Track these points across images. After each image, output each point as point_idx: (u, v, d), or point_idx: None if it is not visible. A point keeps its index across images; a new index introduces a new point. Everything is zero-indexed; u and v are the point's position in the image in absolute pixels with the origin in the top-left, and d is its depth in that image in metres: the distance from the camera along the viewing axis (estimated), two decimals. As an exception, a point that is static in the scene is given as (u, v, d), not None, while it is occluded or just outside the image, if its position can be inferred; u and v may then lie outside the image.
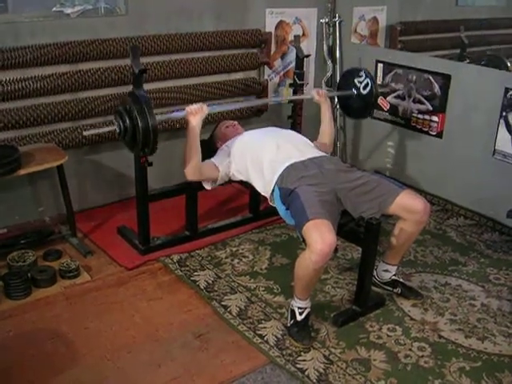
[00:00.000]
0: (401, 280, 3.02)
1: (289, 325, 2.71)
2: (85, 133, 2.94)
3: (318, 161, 2.86)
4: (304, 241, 2.52)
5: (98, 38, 3.47)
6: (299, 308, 2.66)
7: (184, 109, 2.96)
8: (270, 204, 2.96)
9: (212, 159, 3.12)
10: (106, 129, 2.91)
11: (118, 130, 2.84)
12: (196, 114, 2.92)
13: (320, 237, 2.40)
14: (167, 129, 3.91)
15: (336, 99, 4.06)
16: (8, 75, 3.20)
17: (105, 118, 3.65)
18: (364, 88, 3.49)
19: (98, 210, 3.82)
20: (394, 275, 3.00)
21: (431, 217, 3.78)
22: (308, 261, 2.45)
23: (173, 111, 3.17)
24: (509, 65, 4.77)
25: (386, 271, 2.99)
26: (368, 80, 3.47)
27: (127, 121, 2.78)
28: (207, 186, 3.16)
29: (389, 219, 2.98)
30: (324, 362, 2.52)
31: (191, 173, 2.99)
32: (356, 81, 3.53)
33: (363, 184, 2.75)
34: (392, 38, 5.06)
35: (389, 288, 3.02)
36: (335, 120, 4.31)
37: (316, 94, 3.38)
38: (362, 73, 3.49)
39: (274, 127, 3.31)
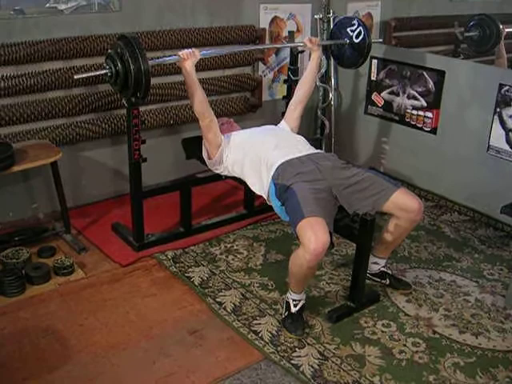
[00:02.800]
0: (389, 271, 3.04)
1: (283, 316, 2.73)
2: (75, 76, 2.93)
3: (315, 157, 2.85)
4: (298, 238, 2.52)
5: (92, 34, 3.45)
6: (294, 300, 2.69)
7: (176, 54, 2.93)
8: (268, 203, 2.93)
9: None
10: (98, 72, 2.88)
11: (109, 74, 2.81)
12: (188, 59, 2.90)
13: (314, 236, 2.40)
14: (161, 125, 3.92)
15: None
16: (1, 72, 3.19)
17: (99, 115, 3.65)
18: (357, 37, 3.49)
19: (93, 207, 3.81)
20: (383, 267, 3.02)
21: (425, 213, 3.78)
22: (302, 259, 2.46)
23: (165, 56, 3.10)
24: (501, 27, 4.67)
25: (375, 263, 3.00)
26: (361, 28, 3.45)
27: (119, 64, 2.74)
28: (212, 158, 3.08)
29: (383, 216, 2.98)
30: (319, 357, 2.52)
31: (199, 108, 2.97)
32: (349, 30, 3.51)
33: (358, 182, 2.74)
34: (386, 33, 5.06)
35: (377, 279, 3.04)
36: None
37: (308, 42, 3.36)
38: (355, 21, 3.48)
39: (270, 126, 3.29)
